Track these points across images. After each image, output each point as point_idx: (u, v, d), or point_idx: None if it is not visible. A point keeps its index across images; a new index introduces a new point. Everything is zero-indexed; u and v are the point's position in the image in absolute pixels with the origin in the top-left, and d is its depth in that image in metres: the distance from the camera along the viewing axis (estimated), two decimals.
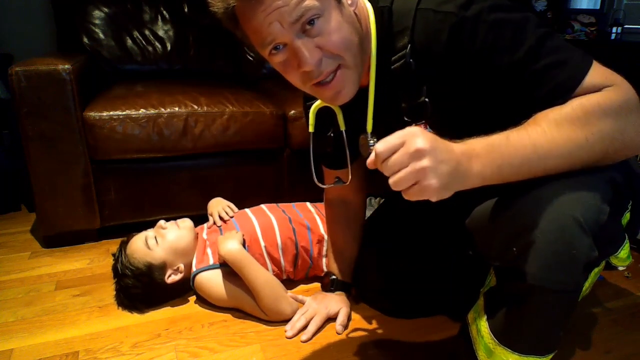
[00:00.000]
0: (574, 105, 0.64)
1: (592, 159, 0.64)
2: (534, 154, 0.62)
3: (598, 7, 2.57)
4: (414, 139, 0.59)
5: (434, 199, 0.60)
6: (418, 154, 0.58)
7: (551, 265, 0.62)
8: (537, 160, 0.63)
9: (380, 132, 0.85)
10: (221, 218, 1.30)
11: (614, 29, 2.37)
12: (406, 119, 0.80)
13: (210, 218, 1.32)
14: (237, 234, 1.17)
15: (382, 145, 0.60)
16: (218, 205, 1.35)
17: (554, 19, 2.63)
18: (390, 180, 0.60)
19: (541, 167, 0.63)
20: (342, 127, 0.91)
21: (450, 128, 0.80)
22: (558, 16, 2.62)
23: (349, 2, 0.72)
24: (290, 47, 0.68)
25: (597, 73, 0.66)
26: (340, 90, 0.74)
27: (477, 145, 0.63)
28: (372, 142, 0.85)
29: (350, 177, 0.96)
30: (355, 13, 0.73)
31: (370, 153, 0.85)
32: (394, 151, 0.60)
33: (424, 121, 0.81)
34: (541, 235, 0.62)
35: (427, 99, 0.76)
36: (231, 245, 1.12)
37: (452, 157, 0.60)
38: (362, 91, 0.81)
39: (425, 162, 0.58)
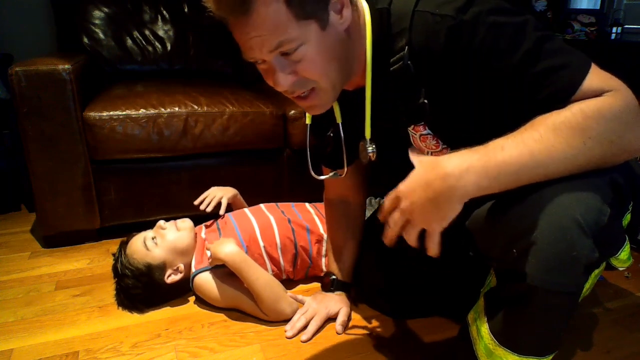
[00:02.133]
0: (574, 110, 0.63)
1: (590, 163, 0.64)
2: (531, 161, 0.62)
3: (598, 7, 2.57)
4: (400, 203, 0.68)
5: (442, 227, 0.68)
6: (406, 214, 0.68)
7: (552, 266, 0.61)
8: (534, 168, 0.62)
9: (379, 134, 0.85)
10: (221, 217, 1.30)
11: (614, 29, 2.36)
12: (405, 120, 0.81)
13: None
14: (230, 238, 1.17)
15: (387, 203, 0.71)
16: (219, 192, 1.36)
17: (553, 19, 2.63)
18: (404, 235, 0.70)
19: (539, 174, 0.63)
20: (339, 120, 0.91)
21: (449, 129, 0.80)
22: (558, 16, 2.62)
23: (341, 20, 0.71)
24: (269, 64, 0.71)
25: (596, 77, 0.65)
26: (313, 105, 0.77)
27: (472, 158, 0.63)
28: (370, 148, 0.85)
29: (346, 169, 0.96)
30: (345, 29, 0.73)
31: (369, 159, 0.87)
32: (393, 208, 0.70)
33: (422, 122, 0.81)
34: (541, 237, 0.62)
35: (425, 101, 0.76)
36: (229, 248, 1.11)
37: (431, 192, 0.65)
38: (361, 90, 0.81)
39: (414, 218, 0.68)
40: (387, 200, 0.70)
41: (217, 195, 1.36)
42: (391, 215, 0.70)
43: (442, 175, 0.64)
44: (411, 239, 0.69)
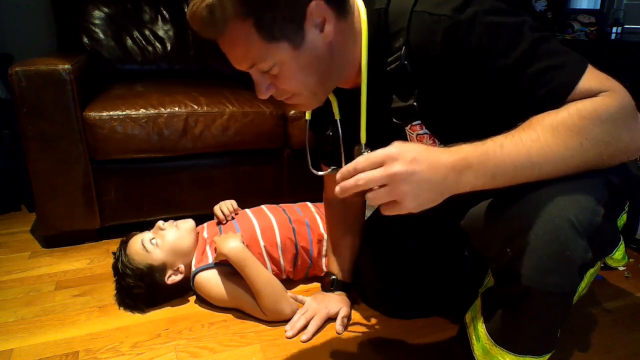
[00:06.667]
0: (571, 111, 0.63)
1: (586, 164, 0.64)
2: (527, 161, 0.62)
3: (598, 7, 2.57)
4: (393, 163, 0.60)
5: (413, 211, 0.63)
6: (396, 178, 0.60)
7: (546, 267, 0.62)
8: (530, 167, 0.62)
9: (376, 132, 0.85)
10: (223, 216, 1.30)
11: (614, 29, 2.36)
12: (394, 120, 0.81)
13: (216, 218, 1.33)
14: (237, 234, 1.18)
15: (363, 160, 0.63)
16: (221, 204, 1.35)
17: (553, 19, 2.63)
18: (368, 195, 0.63)
19: (534, 174, 0.63)
20: (337, 116, 0.91)
21: (445, 129, 0.80)
22: (558, 16, 2.63)
23: (322, 35, 0.72)
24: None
25: (592, 77, 0.65)
26: (298, 105, 0.80)
27: (471, 154, 0.63)
28: (365, 152, 0.85)
29: (344, 164, 0.96)
30: (329, 42, 0.73)
31: None
32: (373, 167, 0.62)
33: (419, 122, 0.81)
34: (535, 237, 0.62)
35: (415, 103, 0.77)
36: (234, 244, 1.12)
37: (436, 175, 0.61)
38: (359, 89, 0.81)
39: (402, 187, 0.60)
40: (380, 154, 0.62)
41: (222, 203, 1.35)
42: (376, 169, 0.61)
43: (447, 166, 0.62)
44: (376, 202, 0.63)
